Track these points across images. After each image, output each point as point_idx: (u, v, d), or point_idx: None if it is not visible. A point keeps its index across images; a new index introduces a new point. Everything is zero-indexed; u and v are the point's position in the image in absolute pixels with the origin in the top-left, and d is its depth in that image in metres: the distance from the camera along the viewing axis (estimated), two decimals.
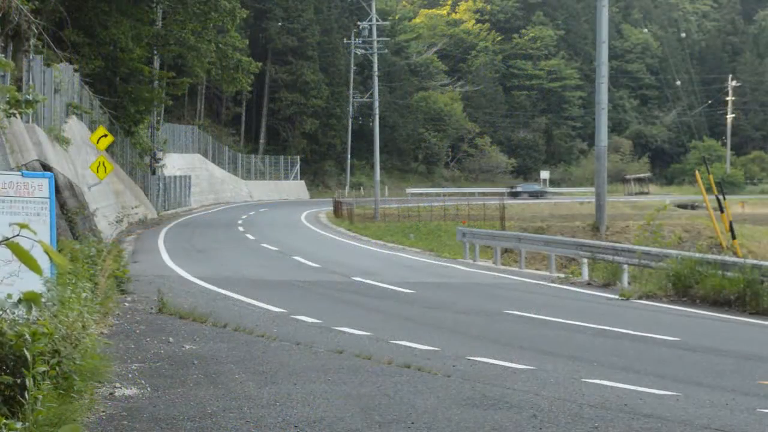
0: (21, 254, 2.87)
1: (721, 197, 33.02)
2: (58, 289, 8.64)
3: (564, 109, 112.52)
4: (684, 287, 19.00)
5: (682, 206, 64.32)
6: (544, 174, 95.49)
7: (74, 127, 31.18)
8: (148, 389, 8.77)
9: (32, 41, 22.89)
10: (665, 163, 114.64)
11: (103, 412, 7.82)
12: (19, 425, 6.12)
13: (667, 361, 11.39)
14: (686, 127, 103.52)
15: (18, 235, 3.00)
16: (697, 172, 38.08)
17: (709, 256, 20.07)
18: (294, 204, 69.44)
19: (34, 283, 7.89)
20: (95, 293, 12.49)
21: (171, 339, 11.78)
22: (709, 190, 34.74)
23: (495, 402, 8.53)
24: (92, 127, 34.24)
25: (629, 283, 21.73)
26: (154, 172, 49.93)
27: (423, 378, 9.60)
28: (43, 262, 3.14)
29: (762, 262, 18.21)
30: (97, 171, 29.03)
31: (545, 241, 26.54)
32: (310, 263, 25.57)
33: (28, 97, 19.47)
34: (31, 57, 23.58)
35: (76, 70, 32.40)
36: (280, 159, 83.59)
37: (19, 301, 6.71)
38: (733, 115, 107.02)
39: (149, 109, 45.69)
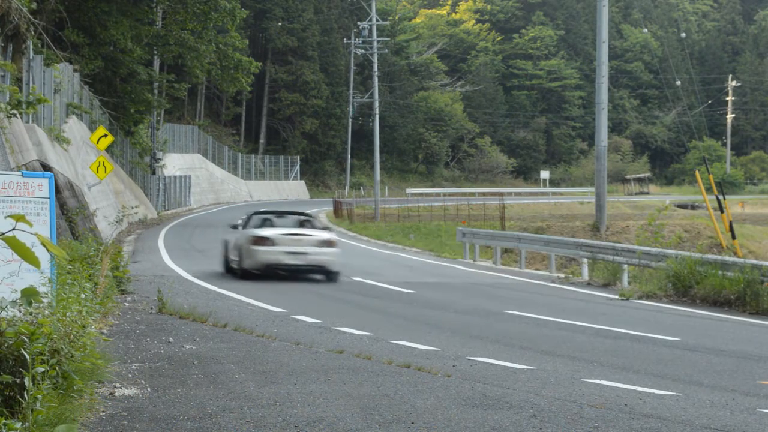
0: (17, 247, 2.86)
1: (721, 197, 33.03)
2: (57, 288, 8.63)
3: (564, 109, 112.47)
4: (684, 287, 19.00)
5: (682, 206, 64.26)
6: (544, 174, 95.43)
7: (74, 127, 31.18)
8: (148, 389, 8.76)
9: (30, 42, 22.88)
10: (665, 163, 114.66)
11: (103, 412, 7.81)
12: (18, 425, 6.12)
13: (667, 361, 11.38)
14: (686, 127, 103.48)
15: (14, 229, 3.00)
16: (697, 172, 38.09)
17: (709, 256, 20.07)
18: (294, 204, 69.39)
19: (34, 282, 7.89)
20: (95, 293, 12.48)
21: (171, 339, 11.77)
22: (709, 190, 34.74)
23: (495, 402, 8.52)
24: (92, 127, 34.24)
25: (629, 283, 21.74)
26: (154, 172, 49.93)
27: (423, 378, 9.59)
28: (43, 260, 3.13)
29: (762, 262, 18.21)
30: (97, 171, 29.03)
31: (545, 241, 26.54)
32: None
33: (30, 98, 19.47)
34: (31, 57, 23.58)
35: (76, 70, 32.40)
36: (280, 159, 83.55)
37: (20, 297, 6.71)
38: (733, 115, 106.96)
39: (149, 110, 45.70)
